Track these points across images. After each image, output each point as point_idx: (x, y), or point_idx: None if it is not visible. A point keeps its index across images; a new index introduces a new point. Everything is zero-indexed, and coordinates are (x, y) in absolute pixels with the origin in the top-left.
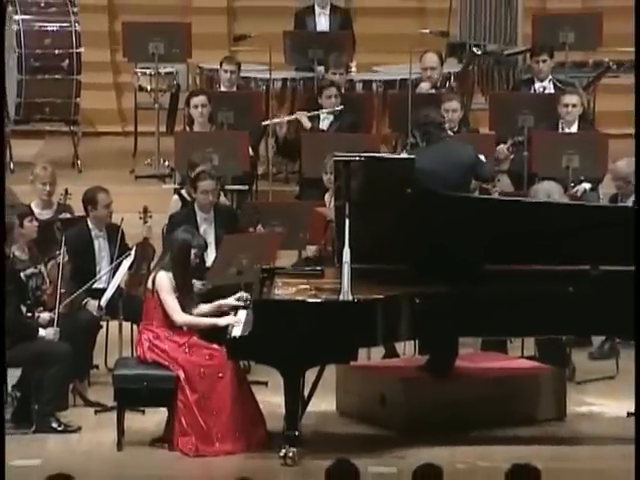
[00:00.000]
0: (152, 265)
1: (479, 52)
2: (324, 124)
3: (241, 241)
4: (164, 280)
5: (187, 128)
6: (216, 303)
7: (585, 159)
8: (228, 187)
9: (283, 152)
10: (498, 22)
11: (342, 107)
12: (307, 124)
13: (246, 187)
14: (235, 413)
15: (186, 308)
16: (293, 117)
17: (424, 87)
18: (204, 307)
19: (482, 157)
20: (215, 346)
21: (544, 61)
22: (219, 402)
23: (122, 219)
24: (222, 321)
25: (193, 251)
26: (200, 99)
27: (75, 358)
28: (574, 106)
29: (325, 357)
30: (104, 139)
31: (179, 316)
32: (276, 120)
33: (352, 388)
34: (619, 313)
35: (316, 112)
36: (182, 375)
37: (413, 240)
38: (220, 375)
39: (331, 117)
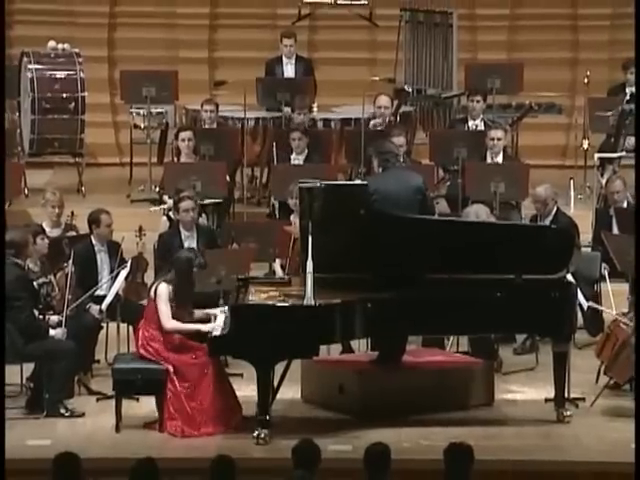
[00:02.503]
0: (146, 276)
1: (409, 89)
2: (296, 163)
3: (220, 255)
4: (163, 290)
5: (175, 158)
6: (205, 311)
7: (510, 185)
8: (207, 201)
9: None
10: (436, 70)
11: (307, 151)
12: None
13: (220, 199)
14: (216, 401)
15: (184, 315)
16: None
17: (375, 123)
18: (197, 312)
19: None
20: (200, 346)
21: (477, 101)
22: (203, 392)
23: (123, 237)
24: (204, 327)
25: (194, 269)
26: (187, 134)
27: (80, 354)
28: (499, 139)
29: (291, 353)
30: (104, 169)
31: (168, 322)
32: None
33: (314, 379)
34: (538, 315)
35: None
36: (171, 369)
37: (366, 253)
38: (204, 371)
39: (301, 158)
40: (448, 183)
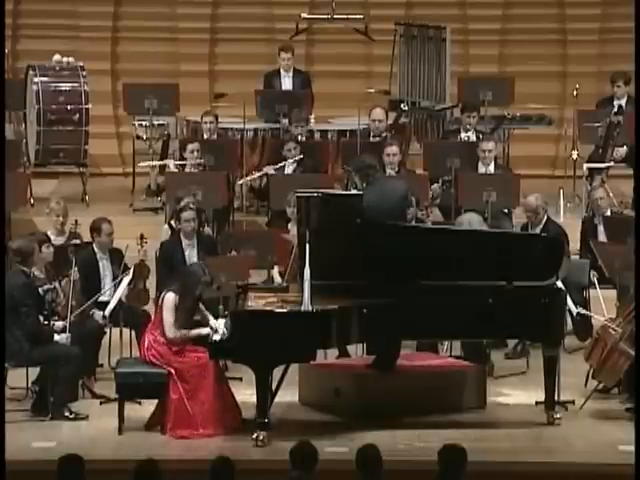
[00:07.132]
0: (148, 282)
1: (405, 107)
2: (289, 170)
3: (220, 262)
4: (170, 300)
5: (180, 168)
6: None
7: (501, 195)
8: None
9: (258, 196)
10: (430, 83)
11: (302, 156)
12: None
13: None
14: (216, 404)
15: (185, 324)
16: (263, 172)
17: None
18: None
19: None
20: (201, 350)
21: (474, 117)
22: (204, 395)
23: (127, 246)
24: (204, 331)
25: (199, 286)
26: (195, 145)
27: (84, 359)
28: (490, 151)
29: (289, 357)
30: (108, 179)
31: (170, 332)
32: (250, 177)
33: (312, 382)
34: (529, 320)
35: (281, 164)
36: (173, 372)
37: (361, 260)
38: (205, 374)
39: (294, 164)
40: (442, 192)
